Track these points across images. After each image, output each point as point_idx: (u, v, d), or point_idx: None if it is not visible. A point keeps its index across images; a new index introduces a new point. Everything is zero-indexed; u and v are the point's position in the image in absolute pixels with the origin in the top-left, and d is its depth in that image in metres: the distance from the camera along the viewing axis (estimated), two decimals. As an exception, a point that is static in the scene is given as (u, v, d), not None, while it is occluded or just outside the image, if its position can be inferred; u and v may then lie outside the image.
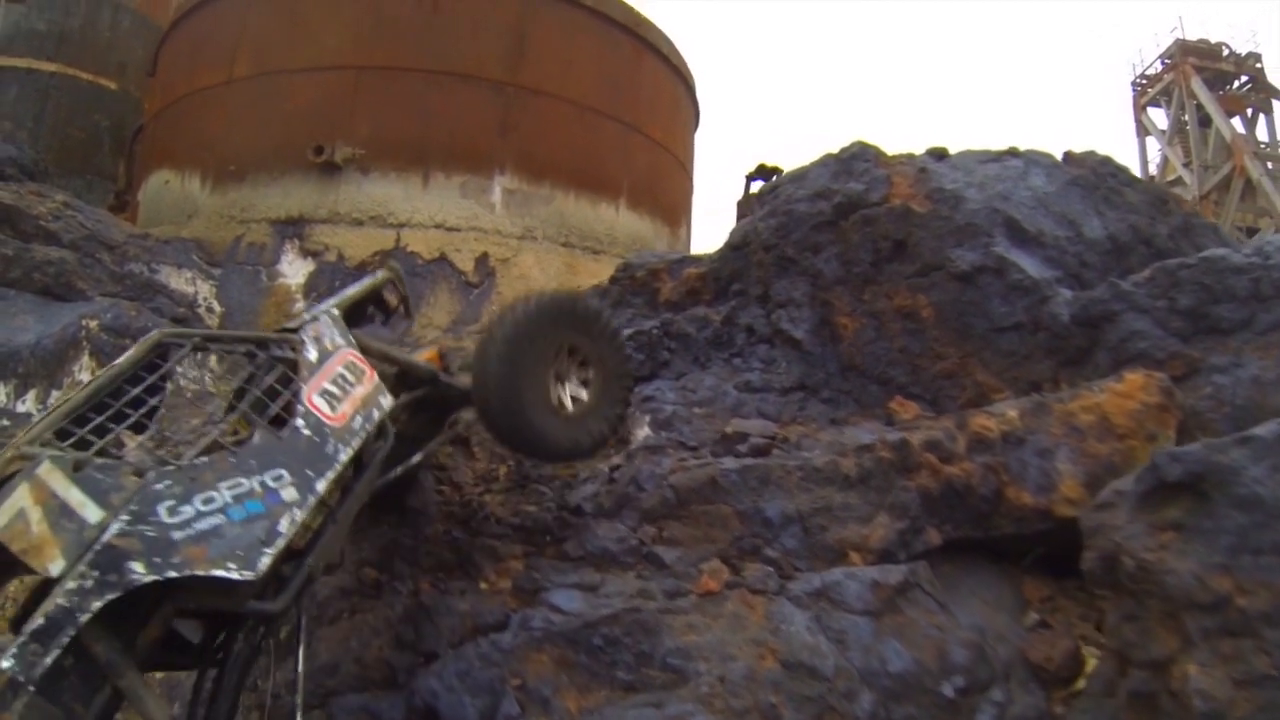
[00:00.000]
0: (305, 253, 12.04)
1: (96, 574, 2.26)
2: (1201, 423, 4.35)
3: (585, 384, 4.20)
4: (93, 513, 2.32)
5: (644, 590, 3.75)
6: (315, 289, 11.80)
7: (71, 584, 2.22)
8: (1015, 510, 4.16)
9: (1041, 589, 4.33)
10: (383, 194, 12.26)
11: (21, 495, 2.25)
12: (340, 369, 3.25)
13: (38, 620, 2.17)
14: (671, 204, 15.28)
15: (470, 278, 12.05)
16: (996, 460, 4.22)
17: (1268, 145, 27.37)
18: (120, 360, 2.87)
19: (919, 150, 6.06)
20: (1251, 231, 26.21)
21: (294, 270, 11.97)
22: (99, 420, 2.64)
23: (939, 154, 5.95)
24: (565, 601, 3.70)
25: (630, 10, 14.35)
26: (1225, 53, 28.35)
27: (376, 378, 3.42)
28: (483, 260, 12.25)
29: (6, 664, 2.10)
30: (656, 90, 15.10)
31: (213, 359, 6.34)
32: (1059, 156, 5.93)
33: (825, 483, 4.09)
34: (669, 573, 3.86)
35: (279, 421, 2.95)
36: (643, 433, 4.93)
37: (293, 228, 12.13)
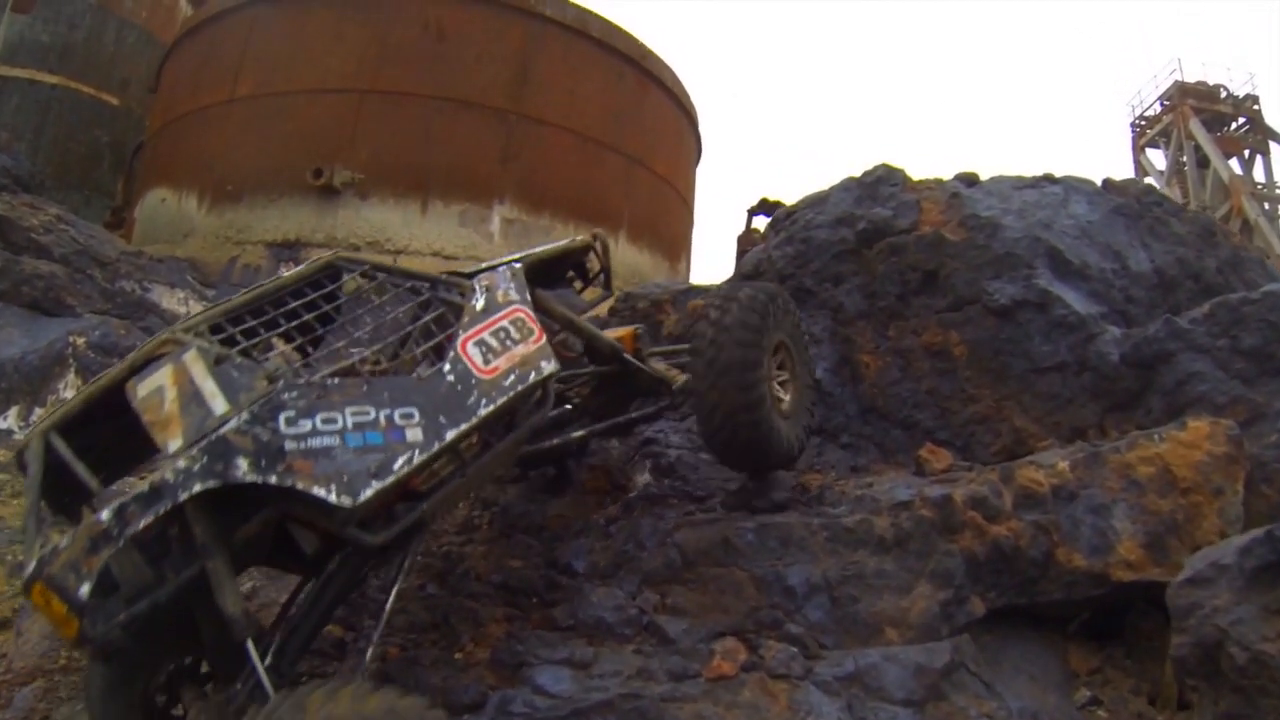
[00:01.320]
0: (301, 276, 11.50)
1: (205, 460, 2.33)
2: (1267, 474, 3.94)
3: (784, 386, 3.88)
4: (219, 405, 2.40)
5: (644, 670, 3.11)
6: (310, 313, 11.27)
7: (181, 463, 2.31)
8: (1066, 574, 3.65)
9: (1088, 659, 3.86)
10: (381, 220, 11.71)
11: (164, 375, 2.43)
12: (506, 323, 3.09)
13: (143, 486, 2.28)
14: (672, 238, 14.78)
15: (467, 305, 11.44)
16: (1047, 518, 3.67)
17: (1265, 186, 26.92)
18: (288, 274, 2.90)
19: (945, 175, 5.57)
20: (1249, 272, 25.74)
21: (289, 294, 11.43)
22: (252, 324, 2.70)
23: (969, 179, 5.41)
24: (551, 681, 3.07)
25: (635, 42, 13.90)
26: (1223, 94, 27.96)
27: (544, 340, 3.18)
28: (480, 288, 11.62)
29: (105, 516, 2.24)
30: (660, 123, 14.59)
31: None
32: (1098, 184, 5.46)
33: (857, 545, 3.48)
34: (674, 649, 3.23)
35: (419, 361, 2.93)
36: (643, 479, 4.34)
37: (289, 251, 11.59)
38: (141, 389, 2.45)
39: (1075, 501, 3.70)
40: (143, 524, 2.27)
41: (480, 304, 3.07)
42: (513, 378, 2.97)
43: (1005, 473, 3.78)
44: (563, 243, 3.90)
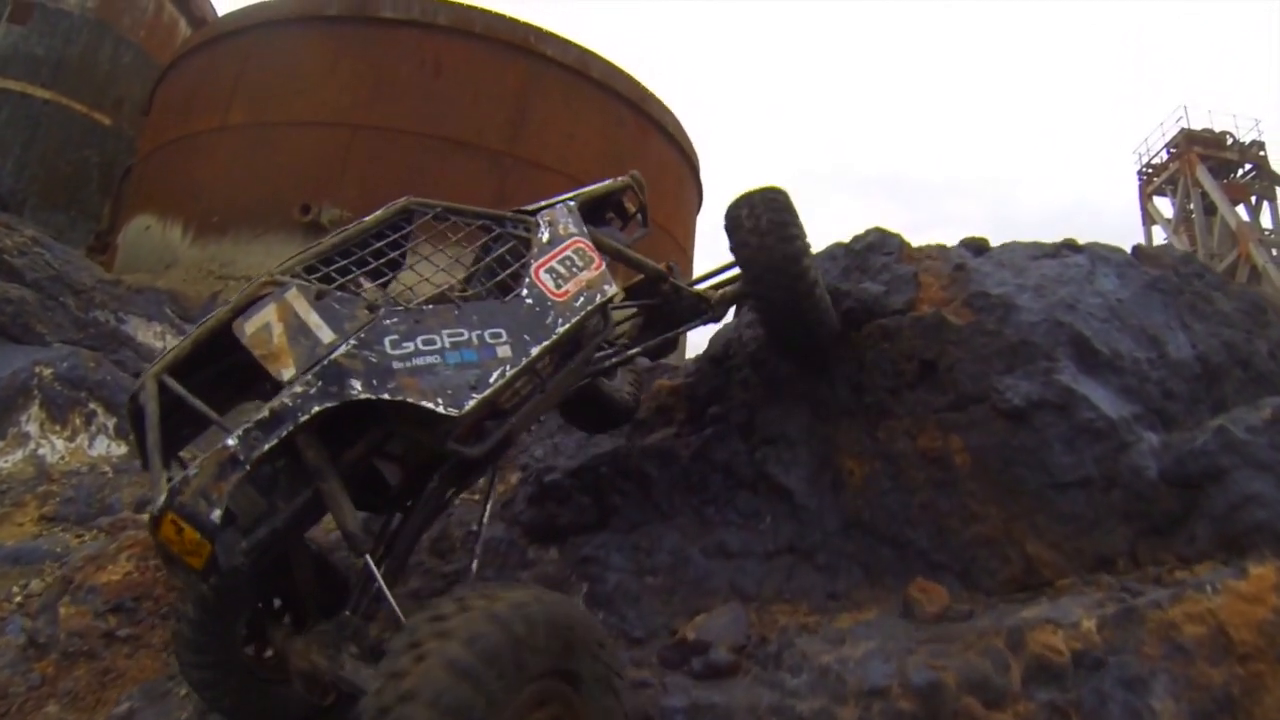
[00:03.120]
0: (283, 315, 10.75)
1: (320, 384, 2.41)
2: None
3: None
4: (326, 334, 2.51)
5: None
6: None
7: (298, 388, 2.39)
8: (1088, 776, 2.77)
9: None
10: (367, 258, 10.95)
11: (269, 312, 2.50)
12: (569, 253, 3.31)
13: (263, 412, 2.35)
14: (669, 290, 13.75)
15: (453, 349, 10.67)
16: (1066, 697, 2.77)
17: (1272, 232, 26.04)
18: (368, 218, 2.98)
19: (949, 240, 4.83)
20: (1257, 319, 24.91)
21: (270, 332, 10.68)
22: (342, 264, 2.78)
23: (978, 247, 4.59)
24: None
25: (636, 85, 13.13)
26: (1229, 141, 27.24)
27: (604, 267, 3.42)
28: (469, 331, 10.85)
29: (231, 442, 2.31)
30: (661, 170, 13.62)
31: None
32: (1128, 251, 4.60)
33: (813, 744, 2.57)
34: None
35: (506, 288, 3.05)
36: (576, 608, 3.45)
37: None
38: (249, 326, 2.50)
39: (1103, 672, 2.82)
40: (266, 447, 2.33)
41: (546, 236, 3.29)
42: (582, 299, 3.19)
43: (1014, 637, 2.88)
44: (607, 183, 4.15)
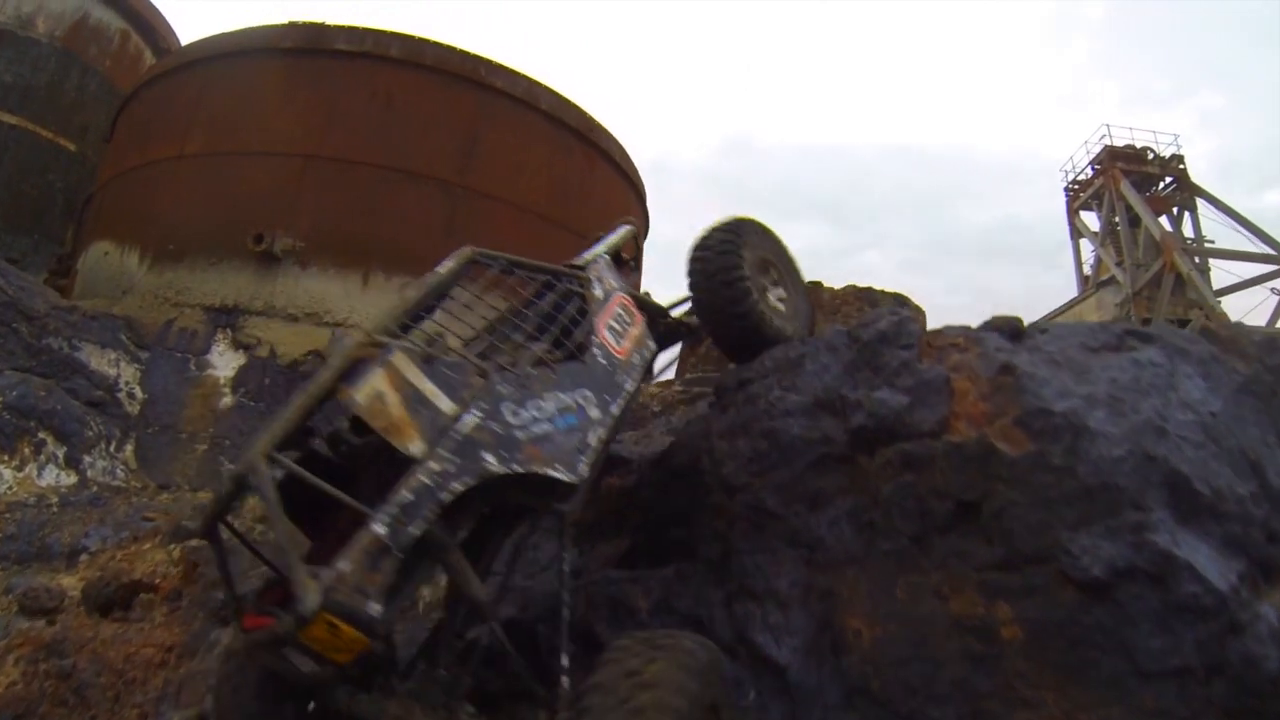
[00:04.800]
0: (237, 344, 10.83)
1: (457, 460, 2.33)
2: None
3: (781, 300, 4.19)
4: (445, 404, 2.40)
5: None
6: (244, 384, 10.60)
7: (435, 466, 2.29)
8: None
9: None
10: (321, 290, 11.07)
11: (379, 379, 2.32)
12: (618, 309, 3.36)
13: (404, 494, 2.22)
14: (618, 315, 13.95)
15: (402, 382, 10.81)
16: None
17: (1194, 241, 27.00)
18: (441, 270, 2.85)
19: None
20: (1182, 323, 25.84)
21: (224, 362, 10.76)
22: (428, 319, 2.68)
23: (1013, 329, 3.49)
24: None
25: (584, 115, 13.35)
26: (1150, 156, 28.11)
27: (644, 321, 3.53)
28: (417, 365, 11.00)
29: (381, 530, 2.15)
30: (608, 198, 13.89)
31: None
32: (1203, 338, 3.61)
33: None
34: None
35: (582, 348, 3.07)
36: None
37: (226, 316, 10.92)
38: (360, 396, 2.31)
39: None
40: (414, 532, 2.22)
41: (599, 293, 3.31)
42: (637, 357, 3.30)
43: None
44: (621, 231, 4.16)
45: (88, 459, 9.36)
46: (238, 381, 10.67)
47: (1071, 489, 2.83)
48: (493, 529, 2.94)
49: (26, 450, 8.73)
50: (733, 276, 3.79)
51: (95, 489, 8.99)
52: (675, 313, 4.35)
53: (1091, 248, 29.35)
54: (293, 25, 12.18)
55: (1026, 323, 3.57)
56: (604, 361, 3.09)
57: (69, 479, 8.96)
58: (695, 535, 3.70)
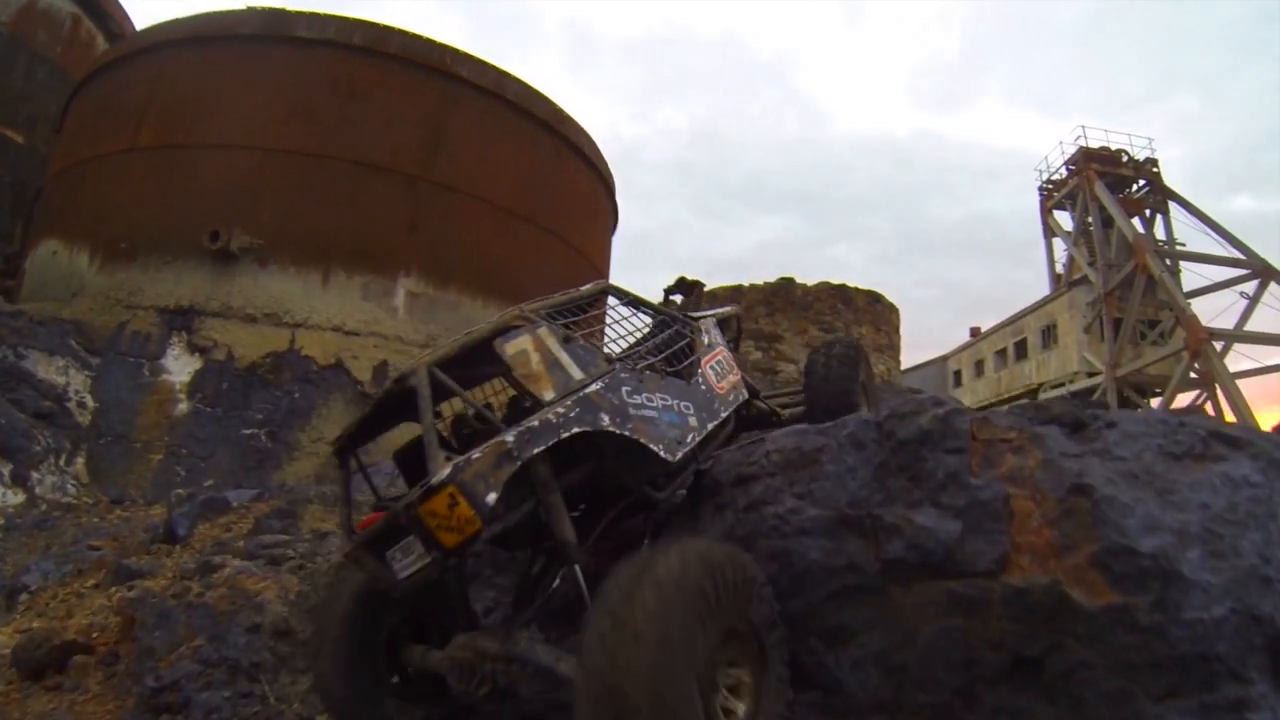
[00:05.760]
0: (193, 348, 10.23)
1: (579, 410, 2.73)
2: None
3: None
4: (576, 372, 2.85)
5: None
6: (201, 390, 10.01)
7: (560, 409, 2.68)
8: None
9: None
10: (280, 289, 10.50)
11: (527, 340, 2.82)
12: (719, 358, 3.85)
13: (533, 421, 2.60)
14: (586, 312, 13.49)
15: (368, 388, 10.28)
16: None
17: (1166, 243, 27.11)
18: (577, 291, 3.40)
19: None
20: (1153, 324, 25.88)
21: (179, 366, 10.15)
22: (567, 320, 3.15)
23: (1074, 420, 2.98)
24: None
25: (553, 107, 12.85)
26: (1125, 159, 28.25)
27: (740, 376, 4.03)
28: (382, 369, 10.48)
29: (510, 439, 2.51)
30: (576, 192, 13.51)
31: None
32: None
33: None
34: None
35: (688, 373, 3.53)
36: None
37: (182, 318, 10.31)
38: (509, 348, 2.77)
39: None
40: (535, 450, 2.54)
41: (707, 340, 3.85)
42: (732, 395, 3.77)
43: None
44: (729, 308, 4.87)
45: (35, 475, 8.79)
46: (194, 386, 10.07)
47: (1161, 655, 2.33)
48: (588, 515, 3.28)
49: (-33, 466, 8.22)
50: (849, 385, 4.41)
51: (44, 507, 8.41)
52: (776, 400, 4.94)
53: (1064, 247, 29.40)
54: (252, 10, 11.57)
55: (1063, 404, 3.15)
56: (704, 388, 3.53)
57: (16, 498, 8.38)
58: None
